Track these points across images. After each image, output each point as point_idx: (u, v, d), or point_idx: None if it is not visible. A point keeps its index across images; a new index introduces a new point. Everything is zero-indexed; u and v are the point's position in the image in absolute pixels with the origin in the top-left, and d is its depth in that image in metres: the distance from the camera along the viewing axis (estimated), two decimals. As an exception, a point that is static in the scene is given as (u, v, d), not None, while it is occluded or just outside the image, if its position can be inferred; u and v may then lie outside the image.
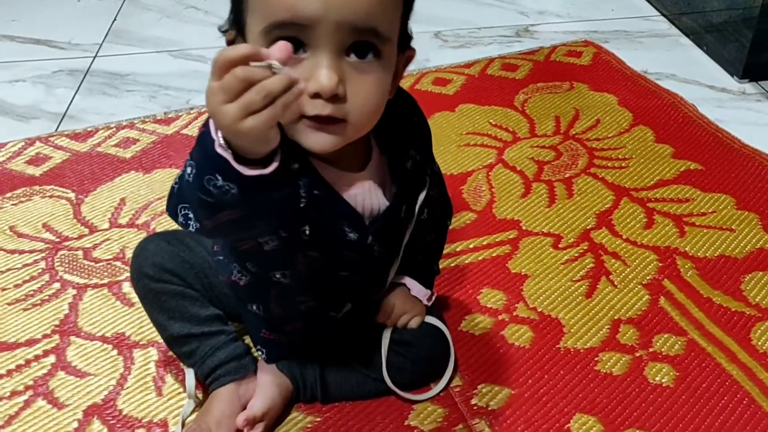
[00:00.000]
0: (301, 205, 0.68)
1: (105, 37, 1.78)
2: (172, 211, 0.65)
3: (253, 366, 0.85)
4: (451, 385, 0.88)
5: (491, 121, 1.41)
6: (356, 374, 0.85)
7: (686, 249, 1.09)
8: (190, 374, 0.84)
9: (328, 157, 0.69)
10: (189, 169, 0.60)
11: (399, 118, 0.75)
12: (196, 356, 0.84)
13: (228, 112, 0.53)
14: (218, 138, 0.56)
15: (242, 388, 0.83)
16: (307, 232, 0.71)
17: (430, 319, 0.87)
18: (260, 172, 0.57)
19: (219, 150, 0.56)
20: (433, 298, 0.88)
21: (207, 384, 0.84)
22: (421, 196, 0.80)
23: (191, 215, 0.63)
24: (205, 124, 0.58)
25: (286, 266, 0.75)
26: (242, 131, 0.54)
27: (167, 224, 1.15)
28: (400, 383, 0.85)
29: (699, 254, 1.08)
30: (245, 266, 0.78)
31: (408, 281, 0.87)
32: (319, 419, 0.84)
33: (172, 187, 0.65)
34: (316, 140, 0.65)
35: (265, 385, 0.83)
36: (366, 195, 0.74)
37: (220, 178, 0.56)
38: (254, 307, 0.83)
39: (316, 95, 0.62)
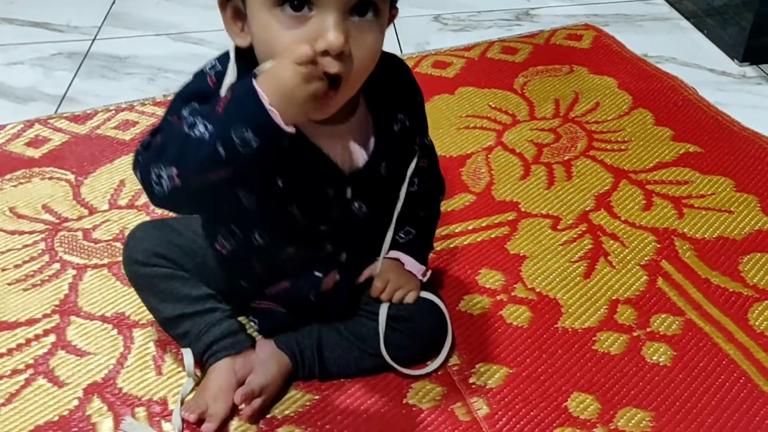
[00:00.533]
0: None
1: (104, 19, 1.78)
2: (143, 171, 0.69)
3: (250, 341, 0.86)
4: (449, 364, 0.88)
5: (491, 103, 1.41)
6: (354, 350, 0.85)
7: (685, 230, 1.09)
8: (188, 353, 0.85)
9: None
10: (201, 127, 0.65)
11: (389, 80, 0.77)
12: (191, 335, 0.85)
13: (310, 89, 0.64)
14: (266, 98, 0.63)
15: (238, 362, 0.83)
16: (281, 184, 0.74)
17: (426, 294, 0.87)
18: (292, 129, 0.65)
19: (269, 107, 0.63)
20: (428, 274, 0.89)
21: (204, 361, 0.84)
22: (412, 165, 0.81)
23: (168, 173, 0.66)
24: (236, 90, 0.66)
25: (266, 222, 0.77)
26: (310, 108, 0.66)
27: (167, 205, 1.15)
28: (398, 359, 0.85)
29: (697, 236, 1.08)
30: (230, 229, 0.80)
31: (402, 256, 0.87)
32: (317, 397, 0.85)
33: (145, 148, 0.69)
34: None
35: (264, 362, 0.83)
36: (345, 148, 0.76)
37: (251, 131, 0.63)
38: (244, 280, 0.84)
39: (324, 53, 0.65)
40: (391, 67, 0.79)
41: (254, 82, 0.64)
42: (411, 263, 0.87)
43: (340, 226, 0.80)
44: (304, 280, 0.83)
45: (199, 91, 0.71)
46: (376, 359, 0.85)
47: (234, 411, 0.82)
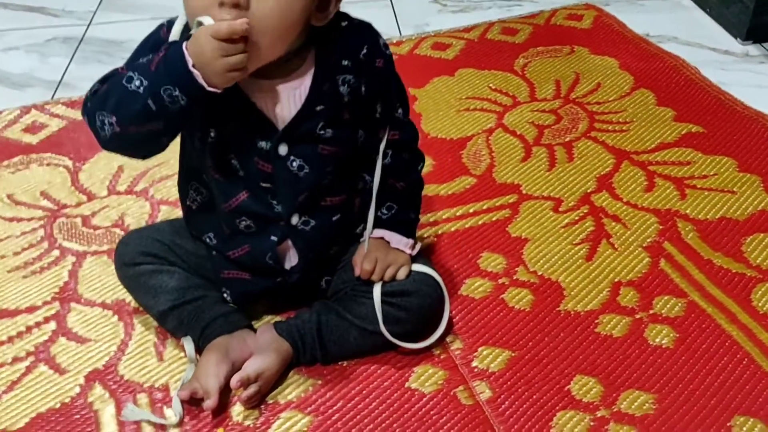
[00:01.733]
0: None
1: (99, 4, 1.76)
2: (90, 115, 0.74)
3: (244, 322, 0.87)
4: (452, 348, 0.88)
5: (491, 85, 1.39)
6: (354, 330, 0.85)
7: (687, 211, 1.08)
8: (188, 340, 0.85)
9: None
10: (137, 82, 0.70)
11: (346, 43, 0.79)
12: (185, 324, 0.85)
13: (227, 62, 0.69)
14: (189, 60, 0.69)
15: (233, 342, 0.84)
16: (212, 134, 0.78)
17: (418, 267, 0.86)
18: (215, 90, 0.70)
19: (192, 69, 0.69)
20: (418, 246, 0.88)
21: (200, 346, 0.85)
22: (384, 140, 0.84)
23: (109, 120, 0.72)
24: (167, 49, 0.71)
25: (215, 171, 0.81)
26: (229, 77, 0.70)
27: (165, 191, 1.14)
28: (398, 334, 0.85)
29: (700, 216, 1.07)
30: (198, 182, 0.84)
31: (386, 234, 0.87)
32: (319, 381, 0.85)
33: (93, 94, 0.75)
34: None
35: (262, 348, 0.83)
36: (277, 102, 0.77)
37: (177, 89, 0.69)
38: (209, 238, 0.86)
39: (221, 4, 0.68)
40: (355, 32, 0.80)
41: (183, 45, 0.69)
42: (396, 239, 0.87)
43: (281, 183, 0.81)
44: (260, 242, 0.84)
45: (152, 41, 0.77)
46: (376, 337, 0.84)
47: (227, 392, 0.82)
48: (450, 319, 0.89)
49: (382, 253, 0.85)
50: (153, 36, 0.78)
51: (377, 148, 0.85)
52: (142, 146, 0.77)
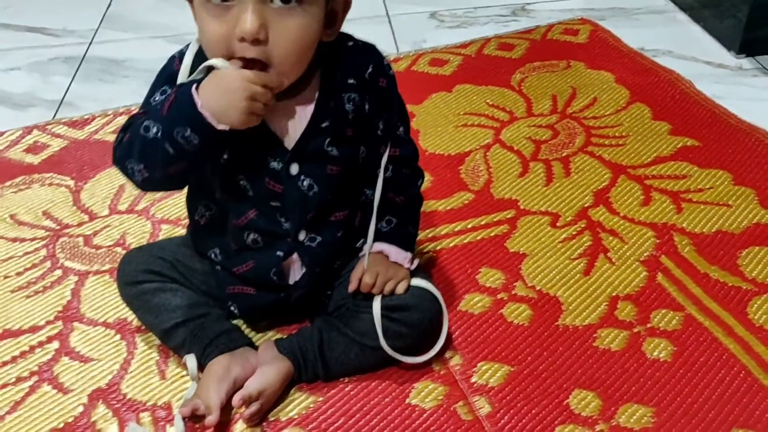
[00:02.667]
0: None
1: (100, 23, 1.78)
2: (120, 164, 0.79)
3: (245, 340, 0.88)
4: (451, 364, 0.89)
5: (488, 101, 1.41)
6: (355, 346, 0.86)
7: (683, 225, 1.09)
8: (191, 358, 0.85)
9: None
10: (154, 129, 0.74)
11: (351, 63, 0.82)
12: (188, 341, 0.86)
13: (252, 105, 0.73)
14: (198, 101, 0.72)
15: (234, 360, 0.84)
16: (225, 157, 0.80)
17: (417, 281, 0.87)
18: (226, 127, 0.73)
19: (202, 110, 0.72)
20: (416, 261, 0.89)
21: (202, 363, 0.85)
22: (385, 156, 0.86)
23: (137, 168, 0.76)
24: (177, 92, 0.74)
25: (224, 192, 0.83)
26: (250, 118, 0.74)
27: (166, 210, 1.15)
28: (398, 349, 0.85)
29: (696, 230, 1.08)
30: (207, 200, 0.86)
31: (385, 248, 0.88)
32: (321, 399, 0.85)
33: (119, 144, 0.78)
34: None
35: (263, 366, 0.84)
36: (286, 122, 0.80)
37: (189, 129, 0.73)
38: (215, 254, 0.87)
39: (242, 39, 0.71)
40: (361, 52, 0.83)
41: (192, 87, 0.73)
42: (395, 253, 0.88)
43: (291, 202, 0.82)
44: (266, 258, 0.85)
45: (166, 75, 0.80)
46: (377, 353, 0.85)
47: (229, 410, 0.83)
48: (449, 334, 0.90)
49: (382, 267, 0.86)
50: (166, 70, 0.80)
51: (378, 163, 0.86)
52: (176, 183, 0.84)
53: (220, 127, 0.73)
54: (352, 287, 0.86)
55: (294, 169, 0.81)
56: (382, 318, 0.84)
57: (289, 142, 0.81)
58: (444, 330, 0.88)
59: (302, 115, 0.80)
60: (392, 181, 0.88)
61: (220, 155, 0.80)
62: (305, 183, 0.82)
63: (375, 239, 0.88)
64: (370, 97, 0.83)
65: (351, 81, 0.81)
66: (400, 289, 0.86)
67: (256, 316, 0.92)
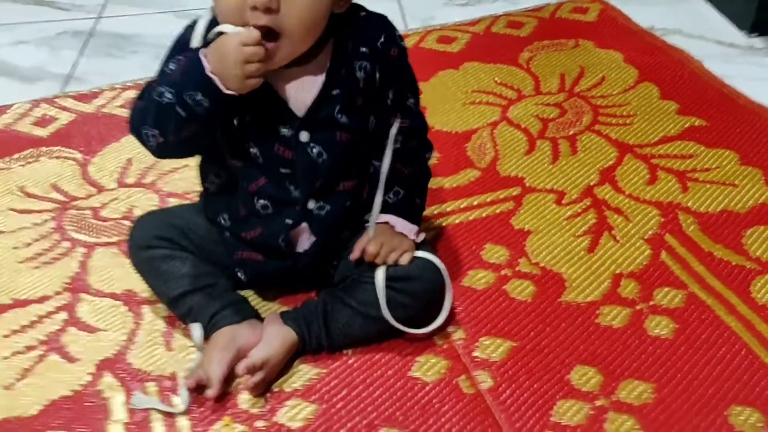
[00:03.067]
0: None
1: (108, -3, 1.78)
2: (136, 132, 0.80)
3: (252, 312, 0.89)
4: (454, 338, 0.90)
5: (496, 79, 1.40)
6: (359, 317, 0.86)
7: (688, 204, 1.09)
8: (196, 328, 0.86)
9: None
10: (168, 95, 0.76)
11: (362, 33, 0.82)
12: (195, 310, 0.87)
13: (247, 70, 0.73)
14: (207, 66, 0.74)
15: (240, 330, 0.85)
16: (235, 122, 0.81)
17: (421, 253, 0.88)
18: (232, 92, 0.75)
19: (209, 74, 0.74)
20: (422, 235, 0.90)
21: (208, 333, 0.86)
22: (395, 126, 0.86)
23: (152, 133, 0.78)
24: (188, 57, 0.76)
25: (235, 158, 0.84)
26: (247, 84, 0.75)
27: (173, 183, 1.16)
28: (401, 319, 0.86)
29: (701, 209, 1.08)
30: (218, 166, 0.87)
31: (391, 218, 0.88)
32: (324, 371, 0.86)
33: (134, 111, 0.81)
34: None
35: (268, 336, 0.85)
36: (297, 89, 0.81)
37: (199, 93, 0.74)
38: (224, 219, 0.88)
39: (254, 7, 0.73)
40: (374, 22, 0.84)
41: (200, 52, 0.75)
42: (401, 224, 0.88)
43: (300, 169, 0.83)
44: (275, 224, 0.86)
45: (181, 42, 0.81)
46: (380, 323, 0.86)
47: (233, 380, 0.84)
48: (452, 309, 0.91)
49: (386, 237, 0.87)
50: (182, 37, 0.82)
51: (387, 134, 0.87)
52: (188, 149, 0.86)
53: (227, 91, 0.74)
54: (354, 255, 0.87)
55: (304, 136, 0.82)
56: (385, 288, 0.85)
57: (300, 109, 0.81)
58: (447, 302, 0.88)
59: (313, 83, 0.81)
60: (401, 152, 0.88)
61: (230, 120, 0.81)
62: (315, 150, 0.83)
63: (382, 210, 0.88)
64: (381, 67, 0.84)
65: (363, 50, 0.82)
66: (404, 260, 0.86)
67: (263, 284, 0.94)
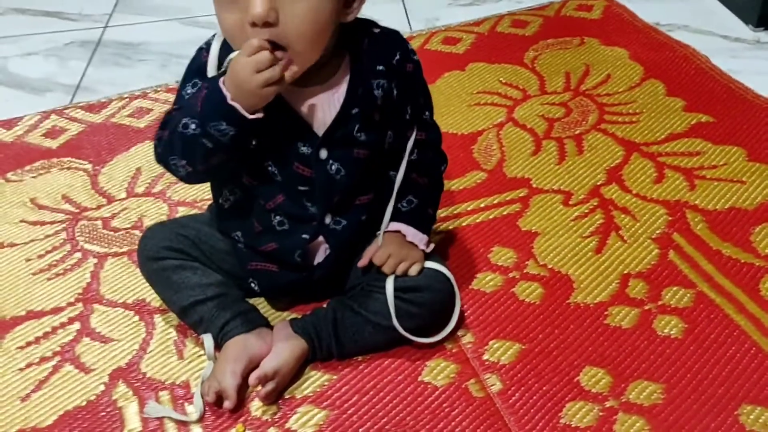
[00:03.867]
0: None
1: (114, 6, 1.79)
2: (164, 162, 0.82)
3: (262, 321, 0.90)
4: (463, 342, 0.90)
5: (501, 79, 1.40)
6: (368, 326, 0.87)
7: (696, 202, 1.09)
8: (208, 337, 0.87)
9: None
10: (192, 126, 0.76)
11: (378, 49, 0.83)
12: (206, 320, 0.88)
13: (262, 78, 0.72)
14: (228, 94, 0.74)
15: (251, 339, 0.86)
16: (254, 143, 0.81)
17: (431, 264, 0.88)
18: (257, 116, 0.75)
19: (231, 102, 0.74)
20: (432, 246, 0.90)
21: (219, 343, 0.87)
22: (411, 139, 0.87)
23: (181, 164, 0.79)
24: (207, 88, 0.76)
25: (252, 177, 0.84)
26: (266, 92, 0.74)
27: (183, 192, 1.17)
28: (410, 329, 0.87)
29: (709, 207, 1.08)
30: (233, 184, 0.86)
31: (402, 227, 0.89)
32: (335, 377, 0.87)
33: (160, 141, 0.81)
34: None
35: (278, 345, 0.86)
36: (316, 108, 0.81)
37: (224, 123, 0.74)
38: (237, 236, 0.89)
39: (253, 24, 0.72)
40: (387, 39, 0.85)
41: (220, 81, 0.75)
42: (412, 234, 0.89)
43: (319, 186, 0.84)
44: (291, 239, 0.87)
45: (196, 66, 0.82)
46: (389, 332, 0.87)
47: (245, 389, 0.85)
48: (461, 313, 0.91)
49: (396, 247, 0.88)
50: (195, 62, 0.82)
51: (404, 147, 0.88)
52: (218, 174, 0.85)
53: (251, 116, 0.74)
54: (362, 263, 0.88)
55: (323, 153, 0.83)
56: (394, 299, 0.85)
57: (320, 128, 0.82)
58: (456, 311, 0.89)
59: (332, 102, 0.81)
60: (417, 163, 0.89)
61: (250, 142, 0.81)
62: (333, 167, 0.83)
63: (394, 219, 0.89)
64: (398, 83, 0.84)
65: (380, 68, 0.83)
66: (413, 271, 0.87)
67: (276, 294, 0.94)
